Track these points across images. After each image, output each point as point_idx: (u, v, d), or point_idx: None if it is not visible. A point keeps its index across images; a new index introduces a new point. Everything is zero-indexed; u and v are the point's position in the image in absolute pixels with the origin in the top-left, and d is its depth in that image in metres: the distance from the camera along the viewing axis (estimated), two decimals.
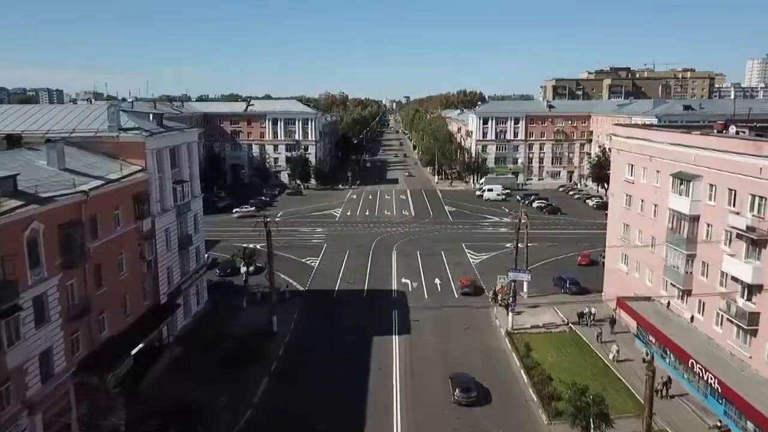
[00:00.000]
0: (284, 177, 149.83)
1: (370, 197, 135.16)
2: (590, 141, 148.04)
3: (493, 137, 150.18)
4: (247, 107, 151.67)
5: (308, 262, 79.91)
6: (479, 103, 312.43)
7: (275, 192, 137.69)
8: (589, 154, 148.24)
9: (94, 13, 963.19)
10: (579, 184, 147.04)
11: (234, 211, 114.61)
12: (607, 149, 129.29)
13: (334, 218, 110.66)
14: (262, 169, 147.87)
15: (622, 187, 57.02)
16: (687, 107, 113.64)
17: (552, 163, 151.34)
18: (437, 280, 71.49)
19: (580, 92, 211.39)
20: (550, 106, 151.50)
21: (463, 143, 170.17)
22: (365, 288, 69.02)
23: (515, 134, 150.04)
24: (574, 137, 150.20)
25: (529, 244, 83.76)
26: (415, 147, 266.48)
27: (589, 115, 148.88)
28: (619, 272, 57.98)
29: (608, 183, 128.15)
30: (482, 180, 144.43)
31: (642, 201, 53.22)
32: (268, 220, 59.43)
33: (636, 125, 59.45)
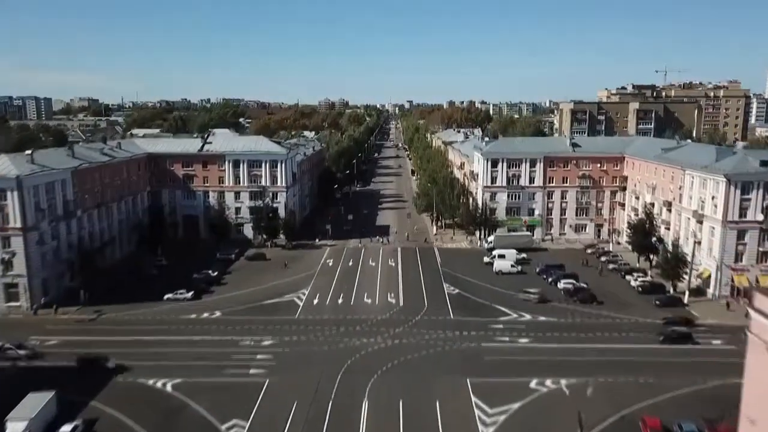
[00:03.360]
0: (248, 230, 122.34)
1: (350, 263, 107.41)
2: (624, 189, 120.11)
3: (504, 183, 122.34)
4: (203, 146, 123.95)
5: None
6: (485, 124, 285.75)
7: (232, 255, 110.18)
8: (623, 204, 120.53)
9: (95, 15, 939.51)
10: (611, 241, 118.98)
11: (165, 297, 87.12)
12: (648, 207, 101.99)
13: (294, 311, 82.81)
14: (220, 222, 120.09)
15: None
16: (765, 163, 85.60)
17: (576, 214, 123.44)
18: None
19: (602, 116, 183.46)
20: (574, 145, 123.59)
21: (466, 183, 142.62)
22: None
23: (531, 179, 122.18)
24: (604, 183, 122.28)
25: (563, 383, 57.94)
26: (413, 172, 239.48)
27: (622, 156, 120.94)
28: None
29: (654, 253, 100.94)
30: (491, 238, 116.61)
31: None
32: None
33: None
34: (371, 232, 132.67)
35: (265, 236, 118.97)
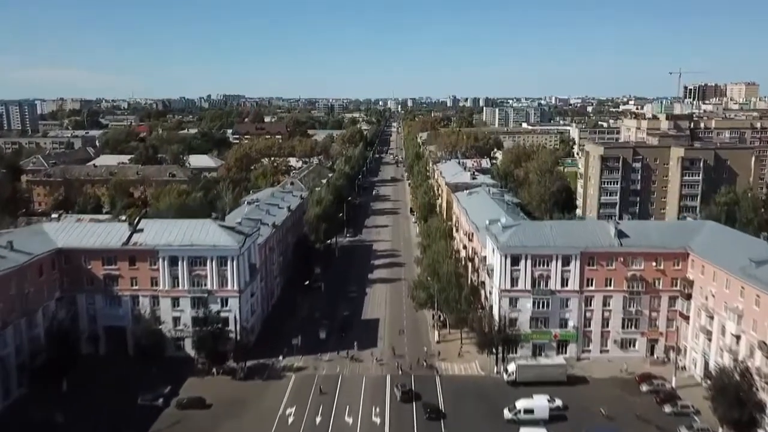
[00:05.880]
0: (189, 346, 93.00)
1: (319, 418, 77.67)
2: (688, 297, 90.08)
3: (528, 286, 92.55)
4: (130, 236, 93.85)
5: None
6: (494, 151, 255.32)
7: (159, 400, 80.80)
8: (686, 316, 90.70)
9: (93, 11, 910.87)
10: (673, 365, 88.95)
11: None
12: (741, 364, 71.88)
13: None
14: (154, 338, 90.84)
15: None
16: None
17: (623, 326, 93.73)
18: None
19: (638, 163, 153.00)
20: (621, 234, 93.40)
21: (476, 261, 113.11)
22: None
23: (564, 281, 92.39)
24: (660, 286, 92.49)
25: None
26: (412, 211, 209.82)
27: (686, 252, 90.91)
28: None
29: (751, 428, 69.51)
30: (511, 368, 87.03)
31: None
32: None
33: None
34: (353, 335, 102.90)
35: (207, 360, 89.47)
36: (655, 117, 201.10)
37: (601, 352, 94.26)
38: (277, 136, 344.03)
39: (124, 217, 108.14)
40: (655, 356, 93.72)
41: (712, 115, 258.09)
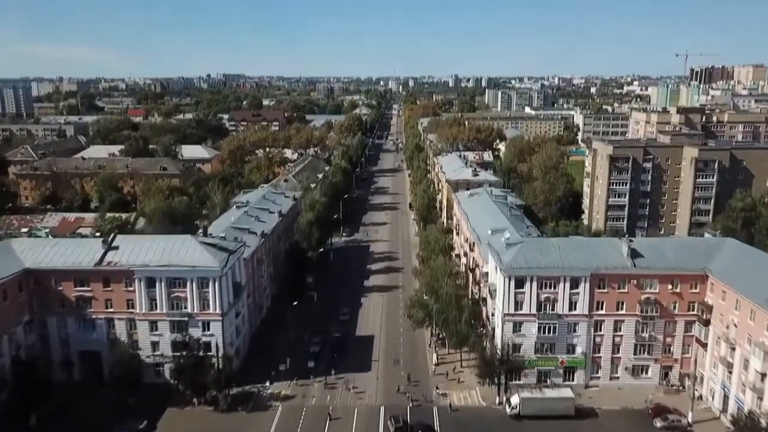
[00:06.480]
0: (168, 373, 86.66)
1: None
2: (707, 323, 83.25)
3: (534, 310, 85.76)
4: (104, 254, 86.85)
5: None
6: (496, 143, 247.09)
7: None
8: (704, 344, 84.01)
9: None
10: (688, 393, 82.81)
11: None
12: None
13: None
14: (131, 364, 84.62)
15: None
16: None
17: (635, 352, 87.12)
18: None
19: (648, 163, 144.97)
20: (634, 254, 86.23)
21: (477, 273, 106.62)
22: None
23: (571, 305, 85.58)
24: (676, 310, 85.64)
25: None
26: (411, 206, 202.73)
27: (705, 275, 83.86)
28: None
29: None
30: (515, 400, 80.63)
31: None
32: None
33: None
34: (345, 357, 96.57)
35: (186, 390, 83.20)
36: (665, 110, 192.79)
37: (610, 379, 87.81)
38: (274, 123, 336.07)
39: (99, 235, 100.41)
40: (670, 384, 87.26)
41: (724, 107, 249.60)
